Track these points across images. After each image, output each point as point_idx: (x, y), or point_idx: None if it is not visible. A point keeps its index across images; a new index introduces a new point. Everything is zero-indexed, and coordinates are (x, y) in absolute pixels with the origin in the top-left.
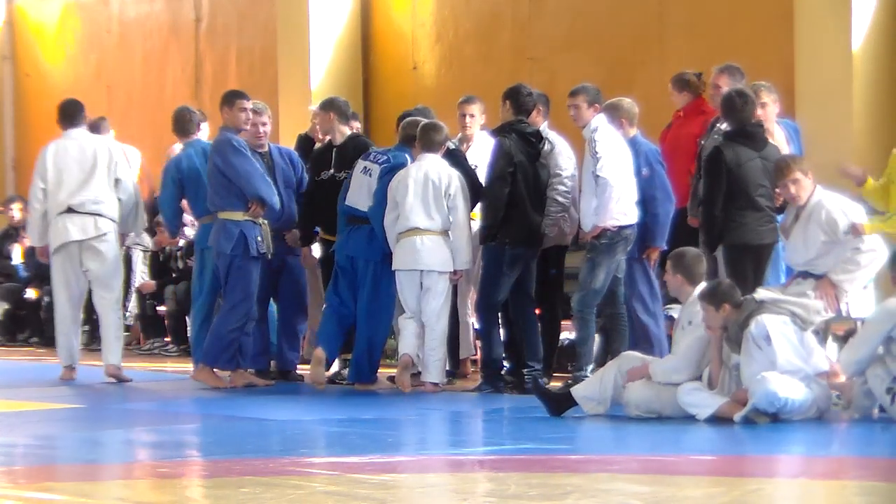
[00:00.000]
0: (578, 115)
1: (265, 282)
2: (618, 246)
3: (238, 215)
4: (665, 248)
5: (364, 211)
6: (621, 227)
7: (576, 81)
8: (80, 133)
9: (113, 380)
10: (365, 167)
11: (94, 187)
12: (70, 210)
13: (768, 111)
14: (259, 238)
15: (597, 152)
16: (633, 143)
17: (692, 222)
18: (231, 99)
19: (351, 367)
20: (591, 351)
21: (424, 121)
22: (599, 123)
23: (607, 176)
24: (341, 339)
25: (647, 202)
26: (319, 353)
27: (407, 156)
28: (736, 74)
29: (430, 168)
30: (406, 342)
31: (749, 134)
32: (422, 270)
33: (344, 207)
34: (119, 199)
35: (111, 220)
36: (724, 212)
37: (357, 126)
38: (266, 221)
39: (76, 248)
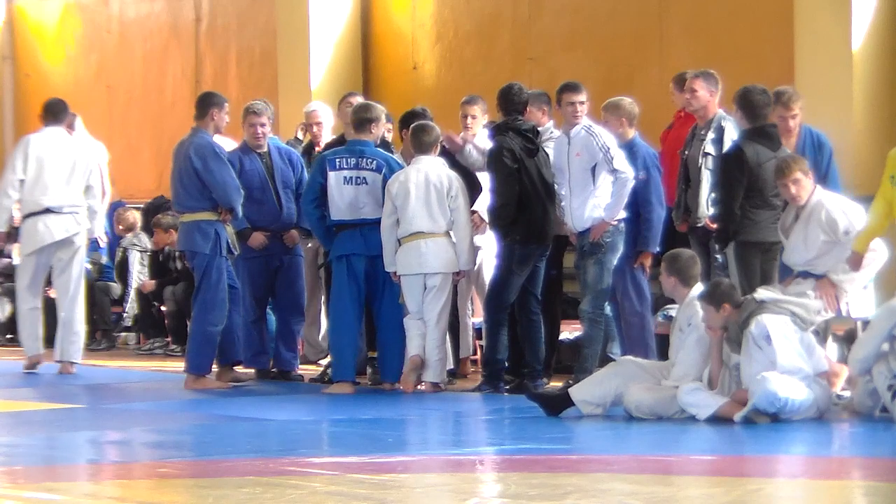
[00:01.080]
0: (583, 111)
1: (263, 282)
2: (619, 241)
3: (212, 216)
4: (657, 251)
5: (373, 218)
6: (619, 221)
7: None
8: (61, 133)
9: (65, 372)
10: (349, 177)
11: (72, 192)
12: (48, 211)
13: (797, 121)
14: (228, 239)
15: (608, 148)
16: (630, 145)
17: (681, 228)
18: (220, 102)
19: (387, 367)
20: (597, 352)
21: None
22: (590, 122)
23: (626, 170)
24: (357, 345)
25: (640, 206)
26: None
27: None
28: (711, 80)
29: (429, 171)
30: (414, 343)
31: (767, 133)
32: (426, 273)
33: (317, 217)
34: (88, 206)
35: (84, 221)
36: (740, 209)
37: (389, 127)
38: (229, 223)
39: (51, 247)
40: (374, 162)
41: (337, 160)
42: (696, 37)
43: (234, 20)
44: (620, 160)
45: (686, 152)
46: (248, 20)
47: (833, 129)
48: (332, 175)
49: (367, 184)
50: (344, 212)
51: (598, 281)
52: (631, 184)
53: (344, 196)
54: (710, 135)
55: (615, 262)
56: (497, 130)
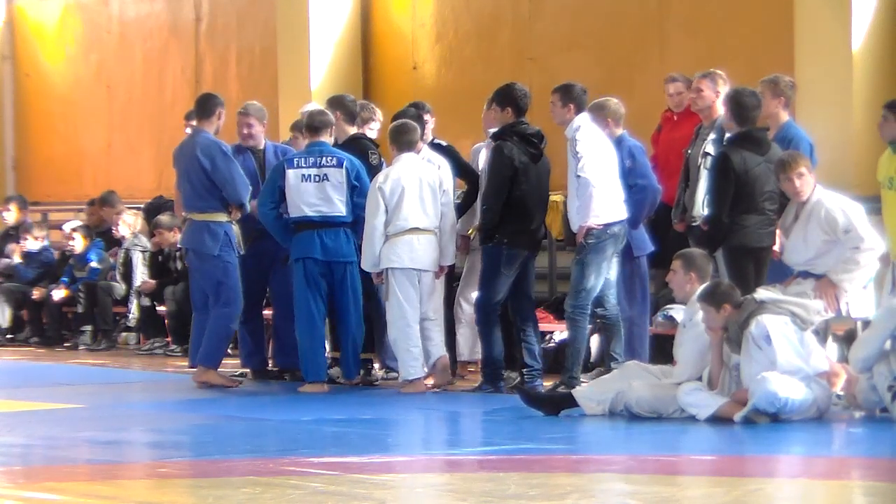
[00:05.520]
0: (553, 112)
1: (256, 281)
2: (606, 244)
3: (222, 217)
4: (652, 249)
5: (337, 216)
6: (608, 225)
7: (576, 81)
8: None
9: None
10: (307, 174)
11: None
12: None
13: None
14: (235, 239)
15: (577, 152)
16: (619, 140)
17: (678, 227)
18: (223, 101)
19: (343, 364)
20: (581, 351)
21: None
22: (582, 123)
23: (588, 176)
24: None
25: (630, 189)
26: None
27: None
28: (718, 80)
29: (419, 168)
30: (436, 342)
31: (755, 138)
32: (419, 270)
33: (273, 217)
34: None
35: None
36: (728, 216)
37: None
38: (237, 223)
39: None
40: (335, 158)
41: (295, 160)
42: (696, 37)
43: (234, 20)
44: (586, 165)
45: (689, 151)
46: (248, 20)
47: (833, 129)
48: (290, 173)
49: (328, 180)
50: (301, 209)
51: (578, 280)
52: (592, 189)
53: (302, 193)
54: (712, 135)
55: (602, 265)
56: (499, 135)
